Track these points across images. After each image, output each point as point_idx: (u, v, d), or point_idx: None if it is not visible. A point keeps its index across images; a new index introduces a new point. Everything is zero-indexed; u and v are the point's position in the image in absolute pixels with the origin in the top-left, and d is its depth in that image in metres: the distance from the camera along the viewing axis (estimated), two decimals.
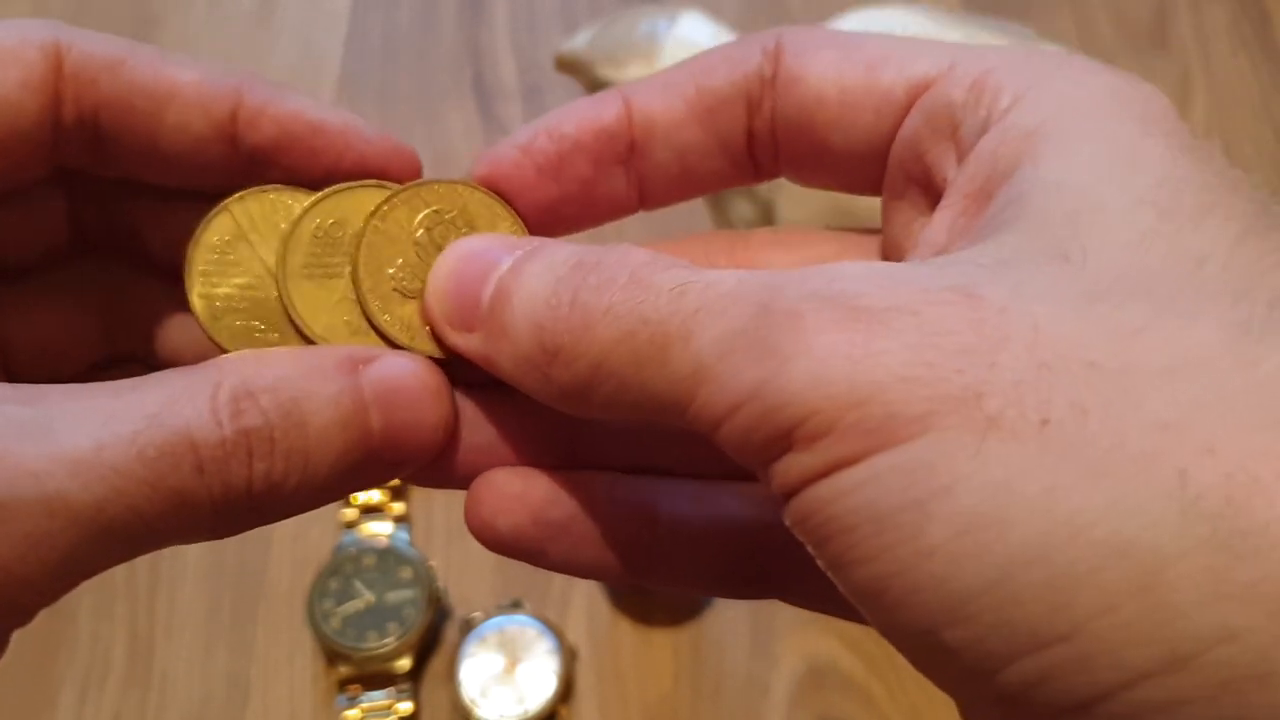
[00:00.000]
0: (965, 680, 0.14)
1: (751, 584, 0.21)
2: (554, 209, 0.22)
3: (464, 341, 0.20)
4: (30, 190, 0.21)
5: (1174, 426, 0.13)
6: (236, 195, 0.22)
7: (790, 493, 0.15)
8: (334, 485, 0.19)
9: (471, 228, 0.22)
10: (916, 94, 0.20)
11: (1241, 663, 0.12)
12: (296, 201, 0.22)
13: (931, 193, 0.20)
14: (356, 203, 0.22)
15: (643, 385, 0.17)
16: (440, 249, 0.21)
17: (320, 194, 0.22)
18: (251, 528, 0.19)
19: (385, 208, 0.21)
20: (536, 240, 0.20)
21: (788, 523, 0.16)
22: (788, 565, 0.16)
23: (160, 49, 0.21)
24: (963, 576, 0.13)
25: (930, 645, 0.14)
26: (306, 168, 0.22)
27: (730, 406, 0.15)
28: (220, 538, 0.18)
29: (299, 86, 0.79)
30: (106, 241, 0.23)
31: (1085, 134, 0.17)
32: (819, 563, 0.15)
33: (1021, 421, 0.14)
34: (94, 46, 0.20)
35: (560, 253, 0.19)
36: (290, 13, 0.85)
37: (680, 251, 0.23)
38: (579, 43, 0.59)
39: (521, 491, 0.21)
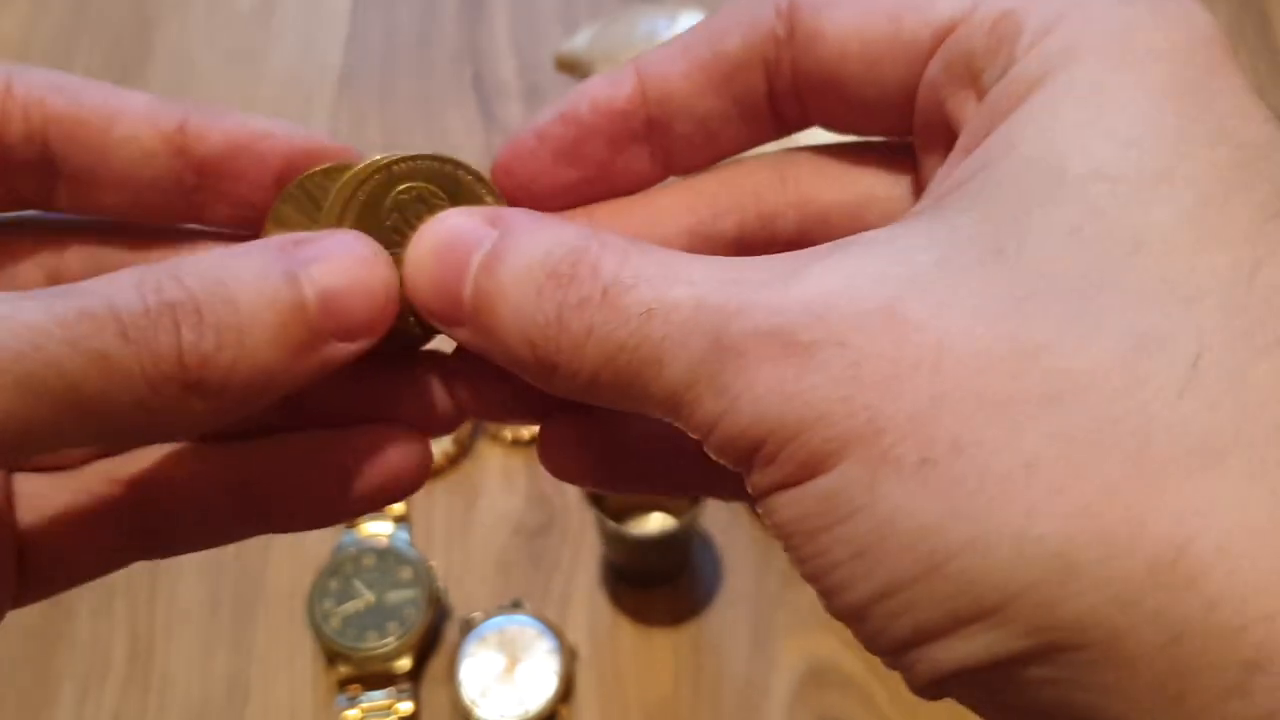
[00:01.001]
0: (873, 652, 0.18)
1: None
2: (574, 191, 0.22)
3: (451, 333, 0.21)
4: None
5: (1035, 465, 0.15)
6: (295, 182, 0.22)
7: (758, 497, 0.18)
8: (285, 365, 0.19)
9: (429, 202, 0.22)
10: (941, 39, 0.19)
11: (1064, 669, 0.15)
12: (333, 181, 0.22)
13: (954, 142, 0.20)
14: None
15: (633, 398, 0.19)
16: (409, 223, 0.22)
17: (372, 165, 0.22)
18: (209, 418, 0.19)
19: (359, 195, 0.22)
20: (499, 220, 0.21)
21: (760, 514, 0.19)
22: None
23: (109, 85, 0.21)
24: (856, 590, 0.16)
25: (851, 627, 0.18)
26: (255, 173, 0.22)
27: (705, 429, 0.18)
28: (179, 430, 0.18)
29: (299, 87, 0.79)
30: None
31: (1075, 89, 0.17)
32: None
33: (907, 459, 0.16)
34: (44, 75, 0.21)
35: (531, 251, 0.19)
36: (290, 13, 0.85)
37: (726, 186, 0.23)
38: (579, 43, 0.59)
39: (586, 434, 0.22)
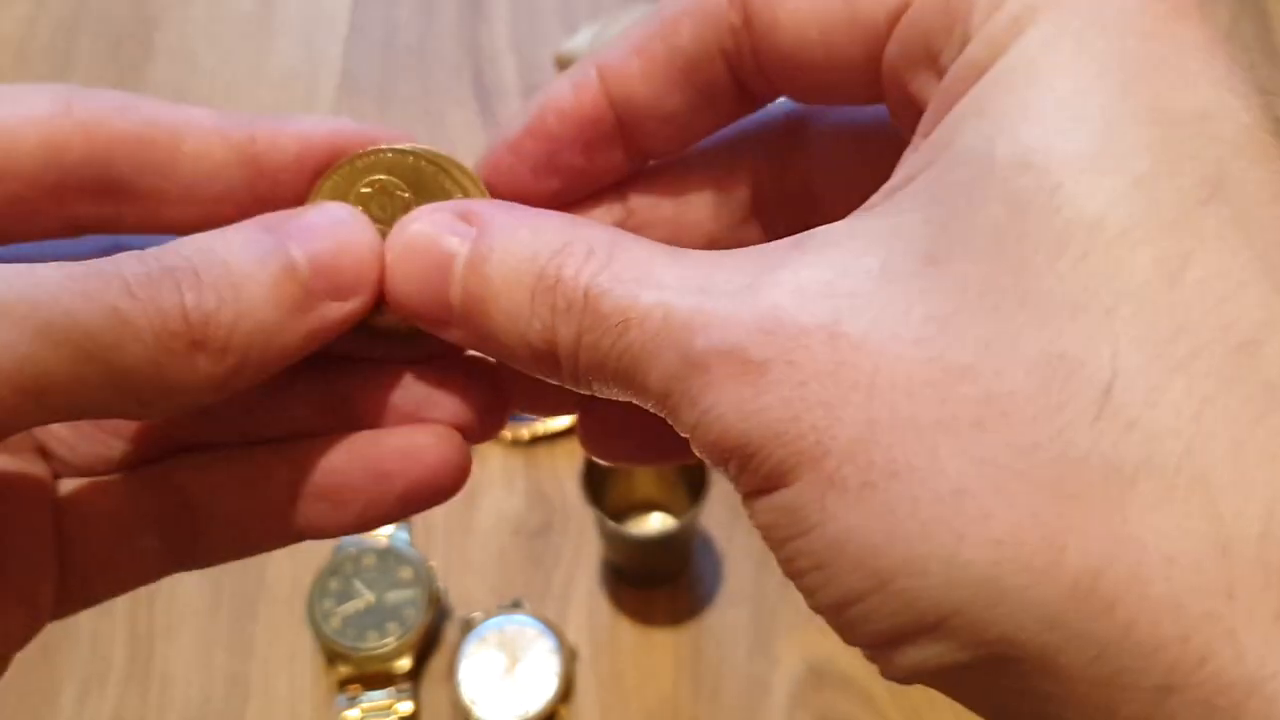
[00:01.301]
0: (849, 644, 0.19)
1: None
2: (558, 196, 0.23)
3: (440, 333, 0.21)
4: None
5: (965, 491, 0.16)
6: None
7: (742, 500, 0.19)
8: (284, 322, 0.20)
9: (408, 193, 0.22)
10: (896, 18, 0.19)
11: (1011, 678, 0.16)
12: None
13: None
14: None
15: (632, 396, 0.19)
16: (379, 218, 0.22)
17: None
18: (222, 379, 0.19)
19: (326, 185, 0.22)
20: (471, 216, 0.21)
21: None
22: None
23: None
24: (823, 596, 0.18)
25: (829, 623, 0.19)
26: (329, 169, 0.22)
27: (687, 434, 0.19)
28: (195, 392, 0.19)
29: (299, 86, 0.79)
30: None
31: (1013, 70, 0.17)
32: None
33: (850, 482, 0.16)
34: (105, 95, 0.21)
35: (516, 252, 0.20)
36: (290, 13, 0.85)
37: (739, 139, 0.23)
38: (579, 43, 0.59)
39: (624, 414, 0.22)
